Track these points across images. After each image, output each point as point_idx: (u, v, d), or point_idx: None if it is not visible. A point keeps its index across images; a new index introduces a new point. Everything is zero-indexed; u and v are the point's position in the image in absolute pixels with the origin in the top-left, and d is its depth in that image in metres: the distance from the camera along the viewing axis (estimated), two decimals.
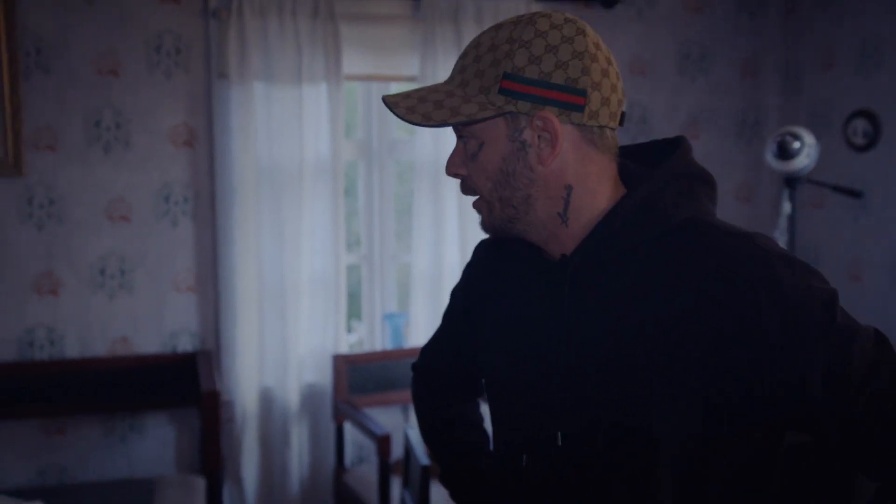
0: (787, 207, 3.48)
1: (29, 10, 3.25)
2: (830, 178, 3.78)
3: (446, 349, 1.43)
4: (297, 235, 3.48)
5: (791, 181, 3.48)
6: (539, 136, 1.08)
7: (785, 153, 3.38)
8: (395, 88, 3.84)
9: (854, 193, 3.68)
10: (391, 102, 1.11)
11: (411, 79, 3.66)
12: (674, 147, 1.16)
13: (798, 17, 4.13)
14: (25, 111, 3.27)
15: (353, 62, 3.56)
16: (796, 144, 3.37)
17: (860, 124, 3.79)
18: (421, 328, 3.73)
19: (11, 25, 3.21)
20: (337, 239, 3.55)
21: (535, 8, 3.75)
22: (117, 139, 3.39)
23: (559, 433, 1.12)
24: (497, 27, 1.11)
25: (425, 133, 3.62)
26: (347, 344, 3.72)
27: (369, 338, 3.85)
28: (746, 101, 4.18)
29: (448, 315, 1.42)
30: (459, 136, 1.14)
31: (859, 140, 3.80)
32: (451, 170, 1.16)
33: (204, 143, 3.47)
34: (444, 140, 3.64)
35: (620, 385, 1.07)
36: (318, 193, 3.53)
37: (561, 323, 1.13)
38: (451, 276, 3.72)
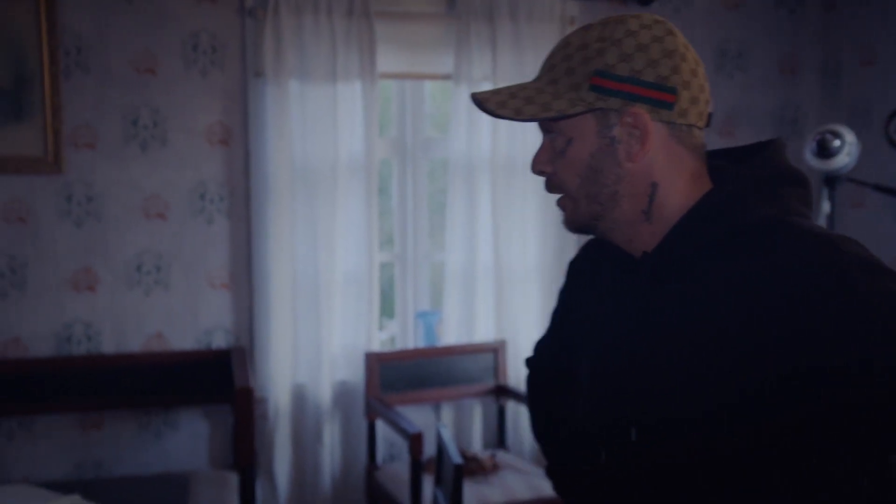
0: (826, 207, 3.41)
1: (69, 10, 3.29)
2: (871, 176, 3.70)
3: (553, 346, 1.46)
4: (331, 233, 3.49)
5: (830, 180, 3.41)
6: (629, 133, 1.10)
7: (824, 151, 3.32)
8: (430, 87, 3.83)
9: None
10: (482, 99, 1.13)
11: (446, 77, 3.65)
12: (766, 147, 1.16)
13: (838, 12, 4.06)
14: (65, 110, 3.31)
15: (387, 60, 3.56)
16: (836, 143, 3.31)
17: None
18: (453, 326, 3.73)
19: (52, 25, 3.25)
20: (370, 237, 3.55)
21: (571, 5, 3.72)
22: (154, 137, 3.42)
23: (633, 429, 1.13)
24: (586, 27, 1.13)
25: (459, 131, 3.61)
26: (379, 342, 3.72)
27: (401, 336, 3.85)
28: (785, 99, 4.12)
29: (553, 313, 1.45)
30: (548, 133, 1.15)
31: None
32: (537, 167, 1.17)
33: (239, 142, 3.49)
34: (478, 138, 3.63)
35: (690, 383, 1.07)
36: (352, 191, 3.54)
37: (638, 320, 1.14)
38: (485, 274, 3.71)
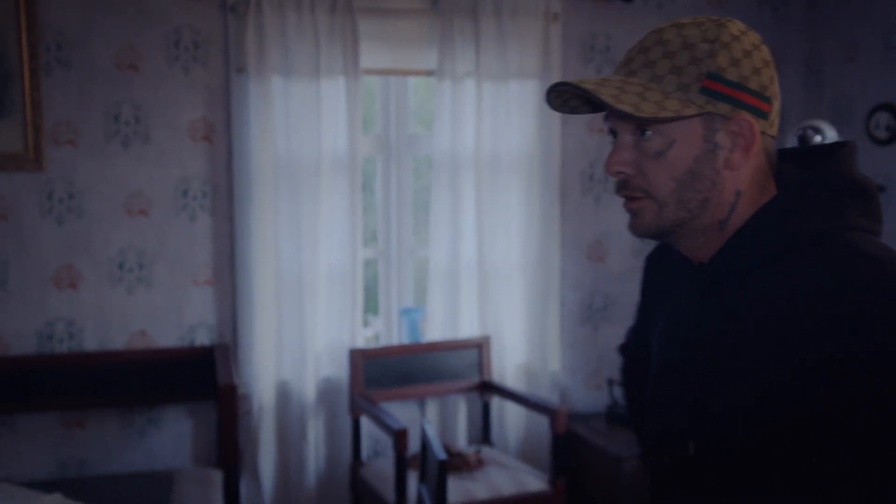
0: None
1: (50, 6, 3.27)
2: None
3: (638, 338, 1.44)
4: (315, 230, 3.49)
5: None
6: (732, 140, 1.07)
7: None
8: (414, 83, 3.83)
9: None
10: (590, 89, 1.05)
11: (430, 73, 3.65)
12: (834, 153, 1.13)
13: (820, 10, 4.08)
14: (46, 106, 3.29)
15: (371, 56, 3.55)
16: (818, 138, 3.33)
17: (882, 118, 3.74)
18: (437, 323, 3.73)
19: (33, 21, 3.23)
20: (354, 234, 3.55)
21: (555, 2, 3.72)
22: (136, 134, 3.40)
23: (690, 443, 1.12)
24: (678, 26, 1.09)
25: (443, 128, 3.60)
26: (364, 338, 3.72)
27: (385, 332, 3.85)
28: None
29: (638, 305, 1.44)
30: (641, 132, 1.09)
31: (881, 134, 3.75)
32: (618, 167, 1.11)
33: (222, 138, 3.48)
34: (462, 135, 3.63)
35: (734, 397, 1.07)
36: (336, 188, 3.53)
37: (692, 329, 1.14)
38: (469, 270, 3.71)
